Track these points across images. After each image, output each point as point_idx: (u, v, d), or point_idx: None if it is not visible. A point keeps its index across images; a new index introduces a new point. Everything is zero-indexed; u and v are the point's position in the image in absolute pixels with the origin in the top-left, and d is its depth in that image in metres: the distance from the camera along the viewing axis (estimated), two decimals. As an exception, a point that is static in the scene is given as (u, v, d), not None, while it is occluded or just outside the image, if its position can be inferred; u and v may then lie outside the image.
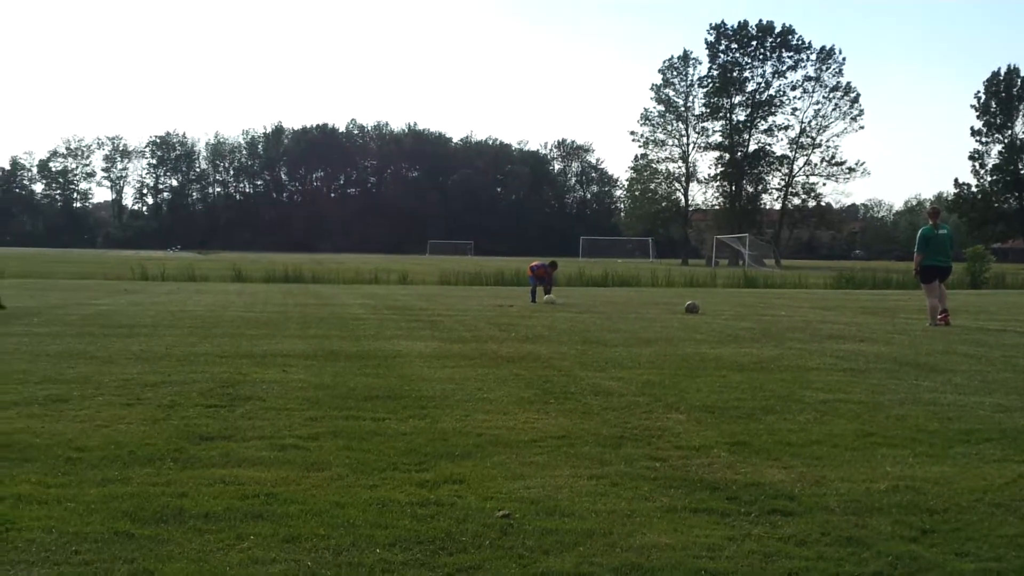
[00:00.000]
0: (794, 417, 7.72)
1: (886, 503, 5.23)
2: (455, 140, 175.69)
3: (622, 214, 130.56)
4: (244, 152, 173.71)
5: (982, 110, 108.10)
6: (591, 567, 4.23)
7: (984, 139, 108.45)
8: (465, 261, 78.60)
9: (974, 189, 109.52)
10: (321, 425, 7.16)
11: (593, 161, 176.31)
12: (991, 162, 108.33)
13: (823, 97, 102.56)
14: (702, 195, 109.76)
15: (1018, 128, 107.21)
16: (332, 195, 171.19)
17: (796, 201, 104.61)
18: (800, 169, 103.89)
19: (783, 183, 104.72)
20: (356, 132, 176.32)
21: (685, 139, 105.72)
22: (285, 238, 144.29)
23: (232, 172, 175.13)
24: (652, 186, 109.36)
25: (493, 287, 34.87)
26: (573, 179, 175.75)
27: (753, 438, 6.88)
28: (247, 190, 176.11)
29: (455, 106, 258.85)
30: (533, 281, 23.42)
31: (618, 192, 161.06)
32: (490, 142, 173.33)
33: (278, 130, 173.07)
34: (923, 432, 7.18)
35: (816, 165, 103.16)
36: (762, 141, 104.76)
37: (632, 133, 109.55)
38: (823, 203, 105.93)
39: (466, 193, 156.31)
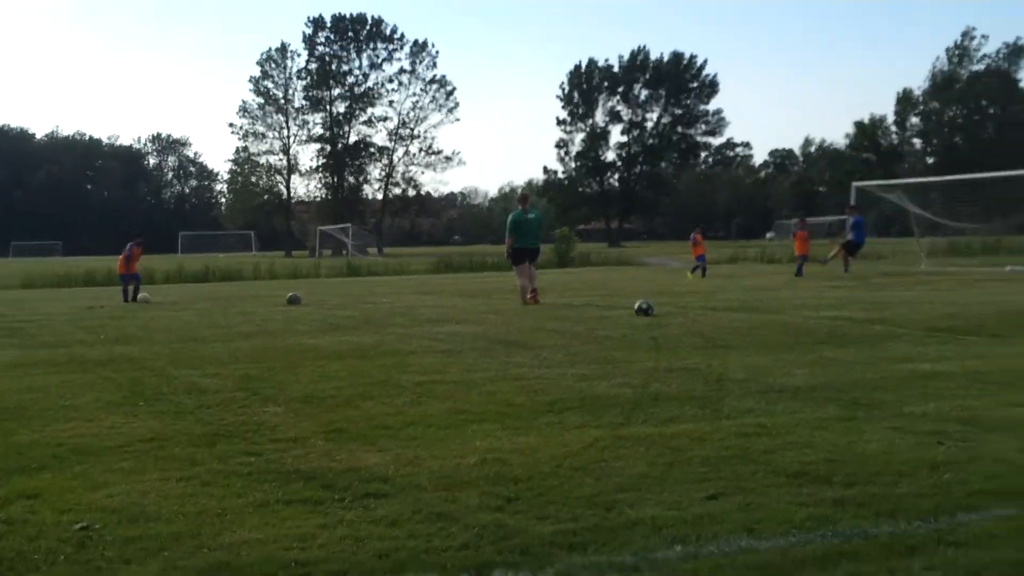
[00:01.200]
0: (391, 401, 7.84)
1: (475, 476, 5.43)
2: (39, 136, 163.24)
3: (223, 208, 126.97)
4: None
5: (566, 101, 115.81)
6: (176, 571, 4.06)
7: (569, 128, 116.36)
8: (52, 262, 73.28)
9: (560, 175, 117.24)
10: None
11: (191, 155, 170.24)
12: (575, 149, 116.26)
13: (420, 90, 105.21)
14: (304, 187, 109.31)
15: (598, 117, 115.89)
16: None
17: (397, 191, 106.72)
18: (400, 160, 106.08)
19: (384, 173, 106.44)
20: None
21: (286, 131, 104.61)
22: None
23: None
24: (254, 179, 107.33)
25: (83, 288, 32.82)
26: (170, 174, 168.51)
27: (350, 425, 6.90)
28: None
29: (37, 101, 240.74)
30: (123, 280, 22.27)
31: (219, 186, 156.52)
32: (78, 137, 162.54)
33: None
34: (512, 406, 7.53)
35: (415, 155, 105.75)
36: (363, 132, 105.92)
37: (231, 125, 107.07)
38: (423, 192, 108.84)
39: (53, 191, 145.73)
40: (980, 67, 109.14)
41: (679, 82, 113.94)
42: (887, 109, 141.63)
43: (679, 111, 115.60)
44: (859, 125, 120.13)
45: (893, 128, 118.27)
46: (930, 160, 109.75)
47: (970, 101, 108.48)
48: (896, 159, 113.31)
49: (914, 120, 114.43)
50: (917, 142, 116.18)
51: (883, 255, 39.16)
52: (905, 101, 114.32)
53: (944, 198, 35.35)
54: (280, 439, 6.51)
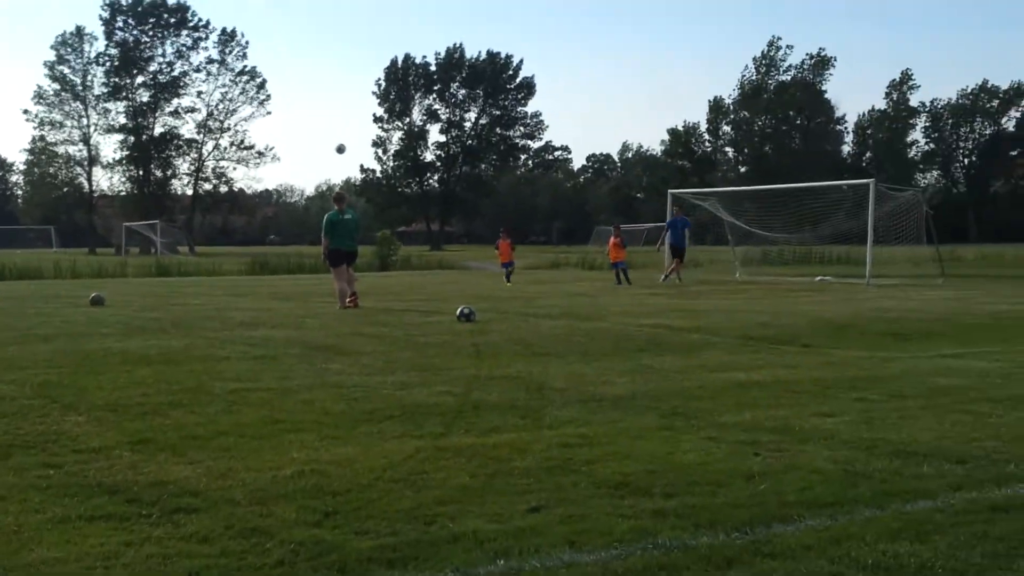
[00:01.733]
0: (203, 409, 7.53)
1: (291, 489, 5.24)
2: None
3: (20, 201, 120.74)
4: None
5: (383, 97, 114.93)
6: (-36, 599, 3.75)
7: (386, 126, 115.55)
8: None
9: (379, 174, 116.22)
10: None
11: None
12: (393, 148, 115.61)
13: (230, 80, 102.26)
14: (108, 180, 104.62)
15: (415, 115, 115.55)
16: None
17: (207, 186, 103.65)
18: (210, 153, 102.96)
19: (193, 168, 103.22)
20: None
21: (86, 120, 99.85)
22: None
23: None
24: (52, 170, 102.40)
25: None
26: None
27: (158, 434, 6.58)
28: None
29: None
30: None
31: (14, 177, 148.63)
32: None
33: None
34: (329, 415, 7.34)
35: (226, 149, 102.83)
36: (169, 124, 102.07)
37: (26, 112, 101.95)
38: (235, 188, 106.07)
39: None
40: (787, 77, 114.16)
41: (496, 82, 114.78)
42: (701, 117, 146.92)
43: (497, 112, 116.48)
44: (673, 132, 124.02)
45: (706, 136, 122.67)
46: (742, 168, 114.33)
47: (778, 111, 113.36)
48: (710, 167, 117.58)
49: (726, 128, 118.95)
50: (729, 150, 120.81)
51: (700, 263, 40.38)
52: (717, 109, 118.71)
53: (757, 207, 36.68)
54: (82, 450, 6.16)
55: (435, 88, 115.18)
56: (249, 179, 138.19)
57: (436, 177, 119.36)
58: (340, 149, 18.63)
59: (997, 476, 5.51)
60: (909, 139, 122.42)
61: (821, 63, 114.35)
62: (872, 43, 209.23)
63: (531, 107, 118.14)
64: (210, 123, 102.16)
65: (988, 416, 7.26)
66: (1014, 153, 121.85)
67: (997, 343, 12.07)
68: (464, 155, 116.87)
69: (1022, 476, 5.49)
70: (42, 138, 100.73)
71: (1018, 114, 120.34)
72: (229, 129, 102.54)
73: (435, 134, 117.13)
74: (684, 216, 29.72)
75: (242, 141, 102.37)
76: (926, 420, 7.12)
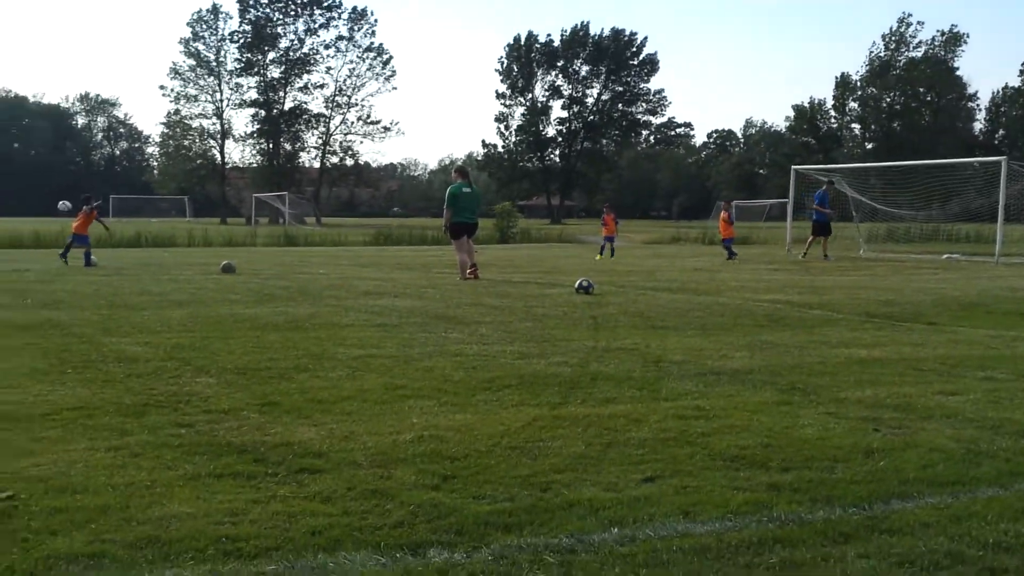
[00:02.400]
0: (327, 374, 7.73)
1: (411, 453, 5.35)
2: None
3: (156, 172, 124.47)
4: None
5: (505, 74, 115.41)
6: (103, 544, 3.94)
7: (508, 102, 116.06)
8: (-23, 223, 71.56)
9: (500, 149, 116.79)
10: None
11: (121, 116, 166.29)
12: (515, 124, 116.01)
13: (357, 57, 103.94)
14: (239, 153, 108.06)
15: (537, 91, 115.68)
16: None
17: (334, 160, 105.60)
18: (337, 128, 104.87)
19: (321, 141, 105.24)
20: None
21: (219, 95, 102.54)
22: None
23: None
24: (186, 143, 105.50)
25: (8, 250, 32.08)
26: (100, 135, 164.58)
27: (284, 398, 6.79)
28: None
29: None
30: (77, 240, 21.97)
31: (150, 149, 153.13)
32: (2, 94, 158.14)
33: None
34: (449, 382, 7.46)
35: (353, 124, 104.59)
36: (298, 99, 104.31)
37: (162, 88, 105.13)
38: (361, 162, 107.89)
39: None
40: (917, 54, 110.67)
41: (620, 59, 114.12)
42: (827, 93, 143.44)
43: (620, 88, 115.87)
44: (798, 108, 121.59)
45: (832, 112, 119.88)
46: (869, 145, 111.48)
47: (907, 87, 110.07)
48: (835, 143, 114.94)
49: (853, 105, 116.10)
50: (856, 127, 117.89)
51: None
52: (843, 86, 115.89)
53: (883, 184, 35.77)
54: (212, 411, 6.38)
55: (558, 64, 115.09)
56: (374, 153, 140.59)
57: (557, 152, 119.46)
58: (227, 268, 18.88)
59: None
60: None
61: (953, 39, 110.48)
62: (1007, 19, 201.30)
63: (654, 84, 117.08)
64: (338, 98, 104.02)
65: (1124, 399, 7.00)
66: None
67: None
68: (585, 131, 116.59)
69: None
70: (177, 112, 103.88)
71: None
72: (356, 104, 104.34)
73: (557, 110, 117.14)
74: (823, 190, 28.77)
75: (368, 116, 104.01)
76: (1057, 401, 6.90)
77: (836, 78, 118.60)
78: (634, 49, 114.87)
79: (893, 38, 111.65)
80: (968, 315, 12.51)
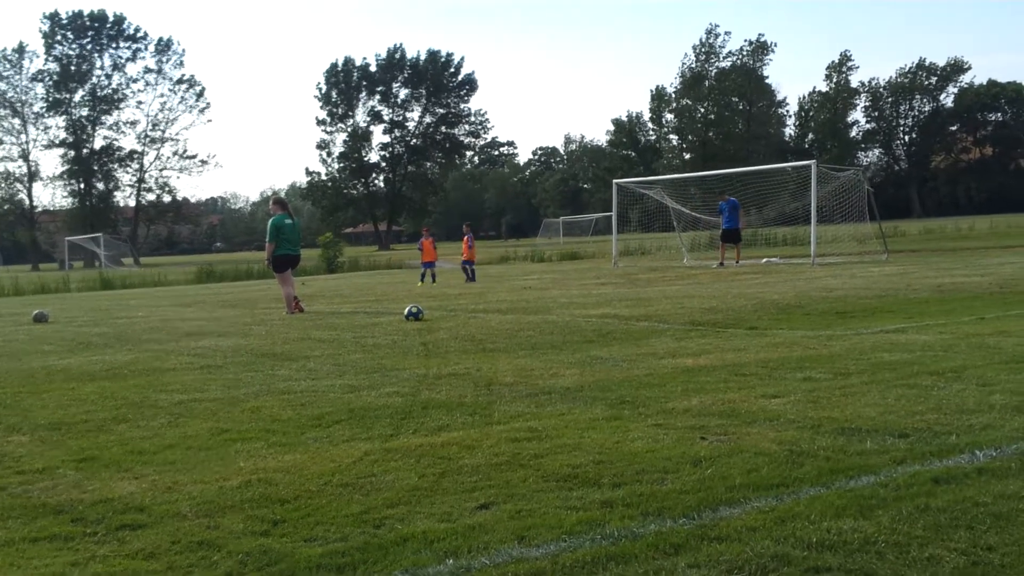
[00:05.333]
0: (147, 423, 7.43)
1: (238, 499, 5.18)
2: None
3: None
4: None
5: (324, 100, 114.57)
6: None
7: (329, 128, 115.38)
8: None
9: (324, 177, 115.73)
10: None
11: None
12: (337, 150, 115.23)
13: (168, 90, 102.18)
14: (49, 195, 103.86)
15: (359, 117, 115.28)
16: None
17: (150, 197, 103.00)
18: (152, 164, 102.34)
19: (135, 179, 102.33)
20: None
21: (24, 137, 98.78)
22: None
23: None
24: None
25: None
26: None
27: (103, 451, 6.49)
28: None
29: None
30: None
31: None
32: None
33: None
34: (277, 422, 7.28)
35: (168, 159, 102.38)
36: (109, 136, 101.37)
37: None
38: (179, 197, 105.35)
39: None
40: (727, 64, 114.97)
41: (438, 81, 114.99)
42: (643, 106, 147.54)
43: (441, 110, 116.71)
44: (617, 122, 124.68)
45: (650, 125, 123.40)
46: (687, 155, 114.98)
47: (720, 97, 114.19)
48: (655, 155, 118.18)
49: (669, 117, 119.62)
50: (674, 138, 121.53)
51: (647, 250, 40.60)
52: (659, 98, 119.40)
53: (703, 192, 36.96)
54: (26, 471, 6.06)
55: (378, 89, 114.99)
56: (192, 187, 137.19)
57: (382, 178, 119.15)
58: (39, 318, 18.52)
59: (939, 448, 5.58)
60: (850, 119, 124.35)
61: (760, 48, 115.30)
62: (810, 26, 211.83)
63: (474, 104, 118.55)
64: (151, 133, 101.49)
65: (930, 389, 7.35)
66: (953, 128, 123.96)
67: (939, 316, 12.25)
68: (409, 154, 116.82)
69: (963, 447, 5.56)
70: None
71: (955, 90, 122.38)
72: (170, 139, 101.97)
73: (379, 135, 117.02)
74: (731, 199, 29.47)
75: (184, 150, 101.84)
76: (870, 396, 7.20)
77: (651, 91, 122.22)
78: (451, 71, 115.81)
79: (703, 49, 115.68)
80: (787, 317, 12.98)
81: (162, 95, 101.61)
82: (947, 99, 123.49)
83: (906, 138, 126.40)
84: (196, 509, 5.06)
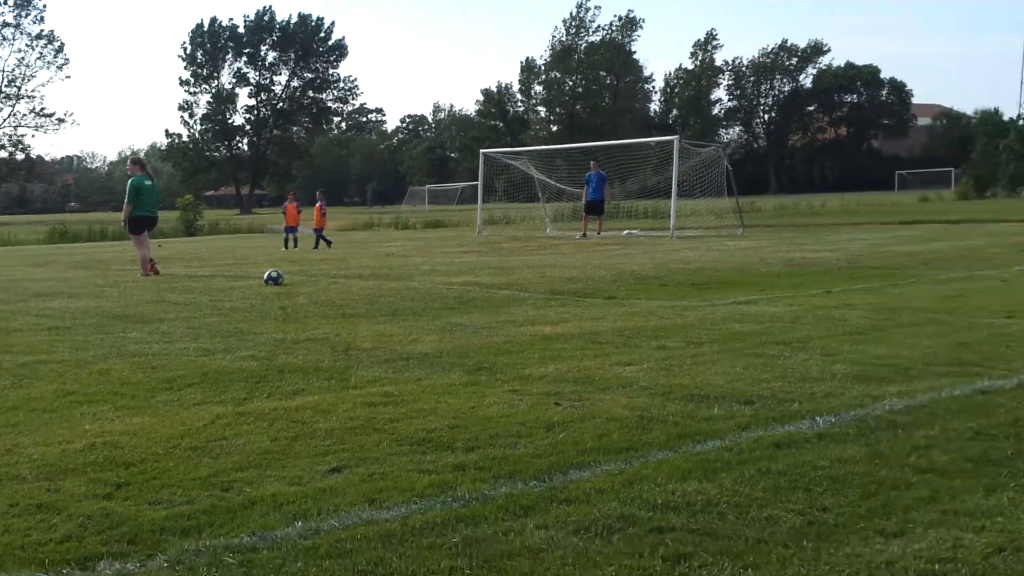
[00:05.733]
0: (-11, 385, 7.17)
1: (81, 462, 5.05)
2: None
3: None
4: None
5: (189, 60, 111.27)
6: None
7: (193, 89, 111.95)
8: None
9: (185, 139, 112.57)
10: None
11: None
12: (200, 112, 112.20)
13: (26, 45, 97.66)
14: None
15: (224, 79, 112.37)
16: None
17: (3, 154, 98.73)
18: (5, 120, 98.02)
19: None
20: None
21: None
22: None
23: None
24: None
25: None
26: None
27: (-61, 413, 6.23)
28: None
29: None
30: None
31: None
32: None
33: None
34: (126, 385, 7.09)
35: (24, 116, 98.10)
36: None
37: None
38: (33, 155, 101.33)
39: None
40: (596, 38, 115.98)
41: (308, 45, 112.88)
42: (513, 78, 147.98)
43: (309, 75, 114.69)
44: (486, 92, 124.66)
45: (519, 96, 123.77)
46: (555, 128, 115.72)
47: (588, 71, 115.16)
48: (523, 127, 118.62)
49: (538, 89, 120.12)
50: (542, 110, 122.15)
51: (512, 220, 40.77)
52: (528, 70, 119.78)
53: (568, 165, 37.23)
54: None
55: (244, 51, 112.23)
56: (48, 146, 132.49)
57: (246, 141, 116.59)
58: None
59: (782, 415, 5.78)
60: (713, 96, 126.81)
61: (630, 24, 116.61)
62: (679, 4, 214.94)
63: (344, 70, 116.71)
64: (6, 89, 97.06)
65: (777, 358, 7.60)
66: (811, 108, 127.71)
67: (789, 289, 12.64)
68: (275, 118, 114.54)
69: (804, 414, 5.77)
70: None
71: (814, 71, 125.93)
72: (25, 96, 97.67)
73: (244, 98, 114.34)
74: (600, 171, 29.57)
75: (41, 108, 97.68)
76: (720, 364, 7.40)
77: (521, 63, 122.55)
78: (322, 35, 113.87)
79: (574, 23, 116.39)
80: (644, 288, 13.22)
81: (19, 51, 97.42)
82: (806, 80, 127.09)
83: (766, 116, 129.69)
84: (36, 472, 4.91)
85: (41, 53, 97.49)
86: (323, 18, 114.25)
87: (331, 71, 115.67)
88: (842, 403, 6.05)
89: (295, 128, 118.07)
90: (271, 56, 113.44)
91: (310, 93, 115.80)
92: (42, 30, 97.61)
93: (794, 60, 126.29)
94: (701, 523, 4.02)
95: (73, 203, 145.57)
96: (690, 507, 4.21)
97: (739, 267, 16.11)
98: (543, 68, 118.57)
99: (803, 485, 4.48)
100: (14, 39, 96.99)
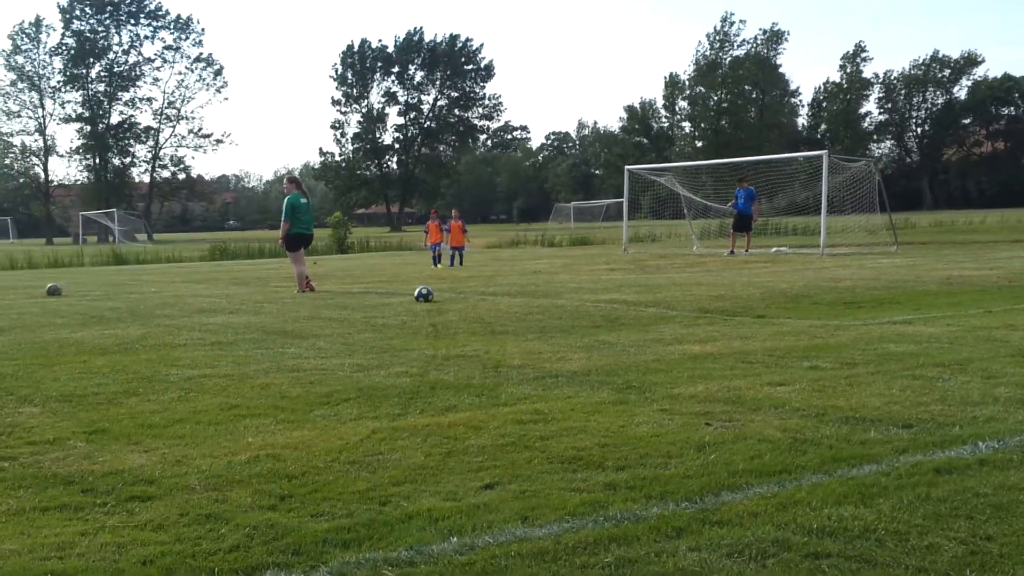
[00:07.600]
0: (158, 397, 7.50)
1: (246, 474, 5.25)
2: None
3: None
4: None
5: (340, 81, 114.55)
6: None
7: (344, 109, 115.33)
8: None
9: (338, 158, 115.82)
10: None
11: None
12: (351, 131, 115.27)
13: (186, 68, 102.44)
14: (65, 169, 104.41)
15: (373, 98, 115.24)
16: None
17: (165, 173, 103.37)
18: (167, 140, 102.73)
19: (151, 155, 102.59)
20: None
21: (41, 111, 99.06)
22: None
23: None
24: (7, 161, 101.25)
25: None
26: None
27: (113, 424, 6.56)
28: None
29: None
30: None
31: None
32: None
33: None
34: (286, 399, 7.34)
35: (183, 136, 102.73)
36: (126, 112, 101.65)
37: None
38: (193, 175, 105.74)
39: None
40: (741, 52, 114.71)
41: (455, 65, 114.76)
42: (657, 94, 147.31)
43: (456, 94, 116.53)
44: (630, 109, 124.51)
45: (663, 112, 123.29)
46: (699, 143, 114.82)
47: (733, 86, 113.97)
48: (667, 142, 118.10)
49: (682, 104, 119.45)
50: (686, 125, 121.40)
51: (658, 237, 40.59)
52: (672, 86, 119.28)
53: (713, 180, 36.89)
54: (37, 441, 6.12)
55: (393, 71, 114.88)
56: (207, 165, 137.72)
57: (395, 159, 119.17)
58: (53, 291, 18.51)
59: (941, 439, 5.61)
60: (863, 110, 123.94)
61: (775, 37, 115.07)
62: (825, 16, 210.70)
63: (490, 88, 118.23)
64: (167, 111, 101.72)
65: (935, 380, 7.38)
66: (966, 121, 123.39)
67: (947, 308, 12.25)
68: (423, 137, 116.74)
69: (965, 438, 5.59)
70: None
71: (969, 83, 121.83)
72: (186, 116, 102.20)
73: (394, 117, 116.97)
74: (749, 187, 29.41)
75: (199, 128, 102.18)
76: (875, 386, 7.23)
77: (665, 78, 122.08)
78: (469, 55, 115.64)
79: (717, 37, 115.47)
80: (795, 306, 13.00)
81: (180, 73, 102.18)
82: (960, 92, 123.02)
83: (918, 130, 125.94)
84: (204, 482, 5.12)
85: (200, 75, 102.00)
86: (471, 39, 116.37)
87: (477, 89, 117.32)
88: (1006, 428, 5.85)
89: (442, 146, 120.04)
90: (419, 76, 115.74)
91: (456, 111, 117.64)
92: (200, 53, 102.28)
93: (947, 72, 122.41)
94: (858, 550, 3.95)
95: (232, 221, 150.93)
96: (847, 533, 4.13)
97: (893, 285, 15.68)
98: (687, 83, 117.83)
99: (965, 513, 4.35)
100: (175, 62, 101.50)
